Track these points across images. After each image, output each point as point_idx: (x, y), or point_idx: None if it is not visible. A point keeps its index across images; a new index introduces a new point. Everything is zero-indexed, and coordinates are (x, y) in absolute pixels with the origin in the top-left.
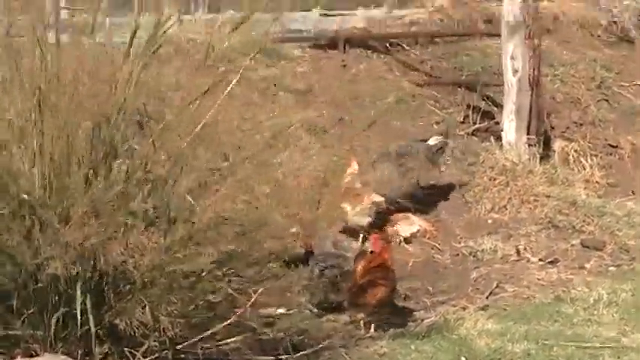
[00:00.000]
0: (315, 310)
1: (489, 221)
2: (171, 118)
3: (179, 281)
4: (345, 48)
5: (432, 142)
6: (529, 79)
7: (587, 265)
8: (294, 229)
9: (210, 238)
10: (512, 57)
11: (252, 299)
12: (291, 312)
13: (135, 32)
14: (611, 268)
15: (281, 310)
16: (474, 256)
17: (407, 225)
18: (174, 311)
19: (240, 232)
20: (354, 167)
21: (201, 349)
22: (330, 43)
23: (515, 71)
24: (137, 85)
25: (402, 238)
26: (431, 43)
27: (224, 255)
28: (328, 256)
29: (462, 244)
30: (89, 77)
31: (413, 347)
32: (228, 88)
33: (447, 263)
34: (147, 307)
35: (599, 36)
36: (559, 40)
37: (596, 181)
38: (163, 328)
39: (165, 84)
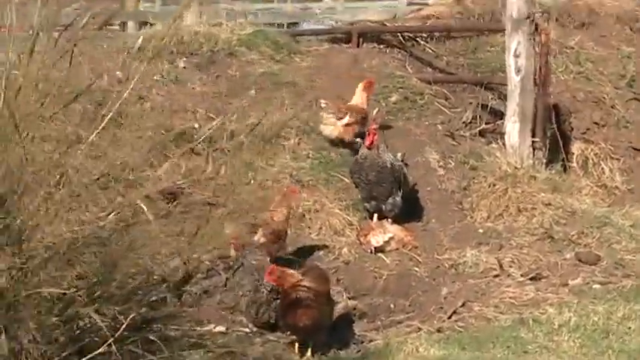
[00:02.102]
0: (254, 329)
1: (481, 231)
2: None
3: (44, 306)
4: (359, 42)
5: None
6: (534, 78)
7: (571, 282)
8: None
9: (73, 260)
10: (516, 54)
11: (121, 330)
12: (229, 330)
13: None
14: (595, 287)
15: (220, 328)
16: (455, 270)
17: (380, 234)
18: (43, 337)
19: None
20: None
21: None
22: (347, 37)
23: (518, 70)
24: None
25: (372, 248)
26: (449, 38)
27: (92, 277)
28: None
29: (445, 256)
30: None
31: None
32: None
33: (424, 277)
34: (2, 334)
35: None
36: (594, 35)
37: (615, 187)
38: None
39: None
